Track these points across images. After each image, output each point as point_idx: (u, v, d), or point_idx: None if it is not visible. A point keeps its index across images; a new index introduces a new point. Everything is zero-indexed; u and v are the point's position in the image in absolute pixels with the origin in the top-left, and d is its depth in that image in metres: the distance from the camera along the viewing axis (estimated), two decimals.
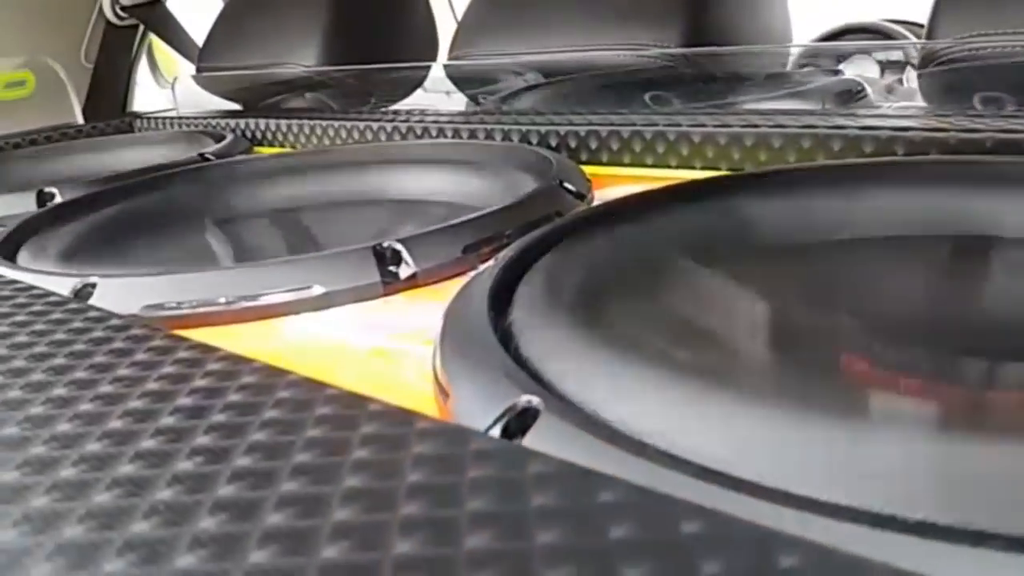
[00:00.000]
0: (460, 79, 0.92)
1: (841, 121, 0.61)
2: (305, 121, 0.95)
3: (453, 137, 0.81)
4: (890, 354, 0.38)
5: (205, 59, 1.19)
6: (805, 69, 0.80)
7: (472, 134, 0.79)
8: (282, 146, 0.99)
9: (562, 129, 0.73)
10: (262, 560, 0.18)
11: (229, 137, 0.93)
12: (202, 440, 0.23)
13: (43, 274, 0.46)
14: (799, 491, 0.21)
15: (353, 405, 0.24)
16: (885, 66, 2.35)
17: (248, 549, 0.18)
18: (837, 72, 0.77)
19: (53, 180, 0.84)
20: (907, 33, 2.18)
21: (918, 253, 0.45)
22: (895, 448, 0.23)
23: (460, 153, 0.71)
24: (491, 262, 0.42)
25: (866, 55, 2.37)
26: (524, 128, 0.75)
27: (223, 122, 1.06)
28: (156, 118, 1.20)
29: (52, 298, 0.37)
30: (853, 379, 0.35)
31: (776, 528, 0.17)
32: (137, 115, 1.23)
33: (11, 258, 0.56)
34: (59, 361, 0.29)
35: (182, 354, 0.29)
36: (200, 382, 0.27)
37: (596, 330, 0.32)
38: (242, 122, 1.03)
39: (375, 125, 0.88)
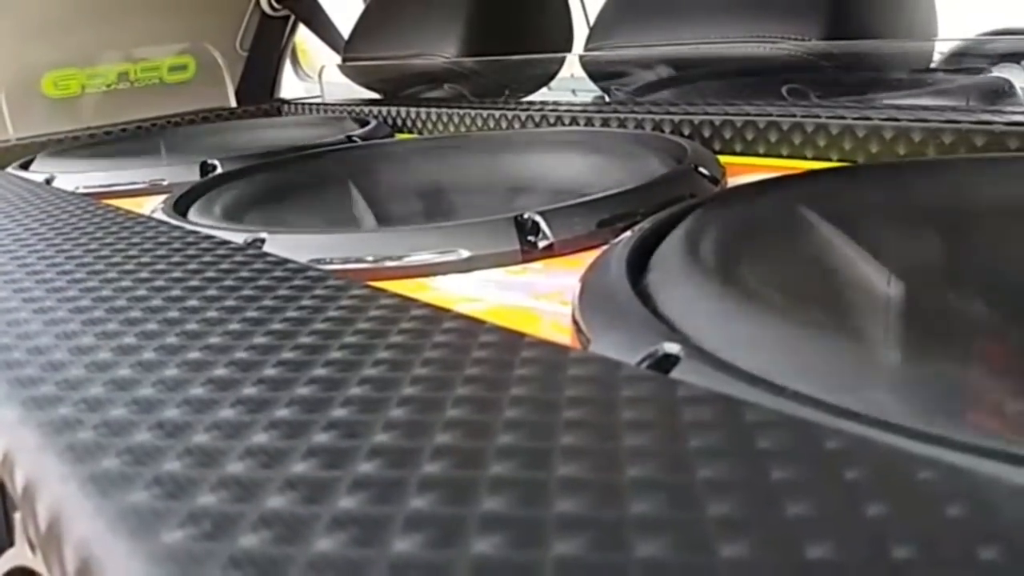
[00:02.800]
0: (595, 72, 0.94)
1: (986, 117, 0.60)
2: (443, 110, 1.00)
3: (586, 125, 0.83)
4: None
5: (351, 50, 1.25)
6: (951, 69, 0.78)
7: (605, 123, 0.81)
8: (421, 132, 1.04)
9: (696, 119, 0.74)
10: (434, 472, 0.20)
11: (372, 123, 0.98)
12: (409, 391, 0.25)
13: (218, 228, 0.51)
14: (932, 431, 0.23)
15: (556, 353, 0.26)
16: None
17: (422, 462, 0.21)
18: (984, 70, 0.75)
19: (213, 153, 0.91)
20: None
21: None
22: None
23: (593, 139, 0.73)
24: (628, 233, 0.44)
25: (1015, 63, 2.27)
26: (657, 117, 0.77)
27: (366, 109, 1.11)
28: (303, 104, 1.27)
29: (231, 246, 0.42)
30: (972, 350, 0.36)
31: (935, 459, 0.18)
32: (285, 101, 1.31)
33: (184, 215, 0.62)
34: (253, 304, 0.33)
35: (384, 301, 0.32)
36: (406, 325, 0.29)
37: (729, 289, 0.34)
38: (384, 109, 1.08)
39: (510, 114, 0.91)
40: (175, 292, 0.35)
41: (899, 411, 0.23)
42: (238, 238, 0.48)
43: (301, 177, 0.74)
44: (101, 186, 0.79)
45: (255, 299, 0.33)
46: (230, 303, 0.33)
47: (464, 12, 1.10)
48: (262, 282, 0.36)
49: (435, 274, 0.46)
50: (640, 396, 0.22)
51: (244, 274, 0.37)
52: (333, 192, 0.73)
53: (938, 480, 0.18)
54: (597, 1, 1.00)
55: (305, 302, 0.33)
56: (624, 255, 0.39)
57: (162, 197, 0.74)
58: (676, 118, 0.76)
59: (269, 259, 0.39)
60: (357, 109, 1.13)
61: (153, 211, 0.61)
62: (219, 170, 0.79)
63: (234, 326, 0.31)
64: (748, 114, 0.71)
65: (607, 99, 0.98)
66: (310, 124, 1.09)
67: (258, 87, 1.36)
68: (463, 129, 0.97)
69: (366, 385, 0.24)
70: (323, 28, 1.37)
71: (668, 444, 0.20)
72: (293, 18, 1.38)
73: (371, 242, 0.47)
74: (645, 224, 0.44)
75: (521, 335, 0.27)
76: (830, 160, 0.67)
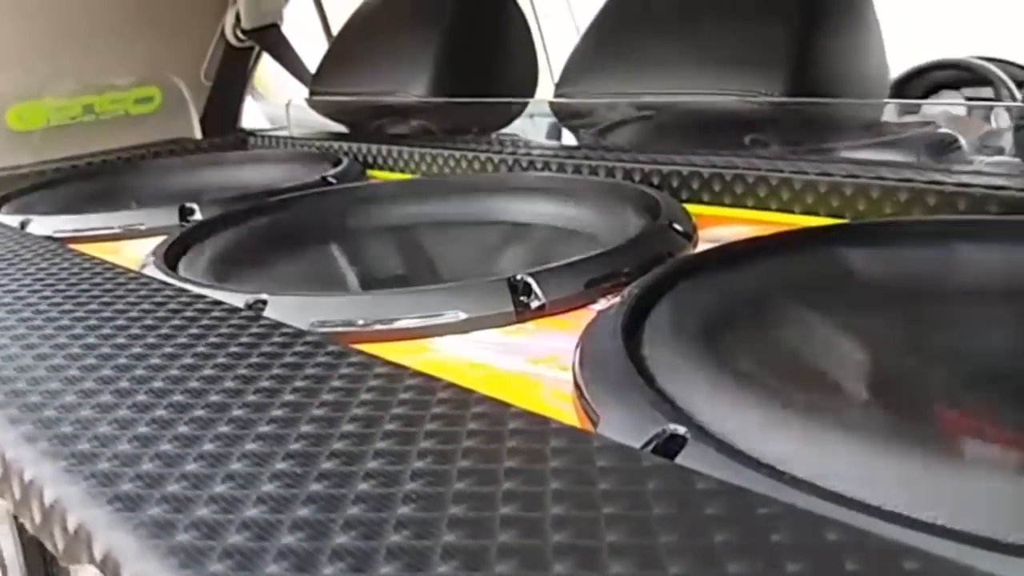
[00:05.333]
0: (563, 115, 0.97)
1: (938, 176, 0.64)
2: (416, 149, 1.02)
3: (558, 170, 0.86)
4: (980, 401, 0.41)
5: (318, 83, 1.27)
6: (902, 119, 0.83)
7: (577, 169, 0.84)
8: (392, 170, 1.06)
9: (664, 168, 0.78)
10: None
11: (345, 161, 1.00)
12: (422, 457, 0.28)
13: (219, 290, 0.52)
14: (919, 516, 0.26)
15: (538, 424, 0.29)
16: (972, 107, 2.33)
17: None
18: (931, 123, 0.80)
19: (188, 193, 0.92)
20: (998, 71, 2.18)
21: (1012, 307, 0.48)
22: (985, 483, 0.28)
23: (569, 185, 0.76)
24: (617, 298, 0.47)
25: (955, 91, 2.38)
26: (628, 166, 0.80)
27: (336, 144, 1.13)
28: (269, 136, 1.28)
29: (232, 308, 0.44)
30: (951, 424, 0.39)
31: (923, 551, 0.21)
32: (250, 133, 1.31)
33: (174, 268, 0.63)
34: (264, 373, 0.35)
35: (379, 370, 0.35)
36: (403, 395, 0.32)
37: (724, 367, 0.37)
38: (354, 145, 1.10)
39: (482, 156, 0.94)
40: (187, 360, 0.37)
41: (898, 497, 0.26)
42: (238, 300, 0.50)
43: (283, 225, 0.75)
44: (77, 230, 0.79)
45: (265, 367, 0.35)
46: (241, 372, 0.35)
47: (434, 52, 1.12)
48: (265, 349, 0.38)
49: (434, 335, 0.49)
50: (664, 490, 0.25)
51: (245, 340, 0.39)
52: (315, 240, 0.75)
53: (923, 570, 0.21)
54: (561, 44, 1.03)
55: (309, 371, 0.35)
56: (618, 325, 0.42)
57: (141, 243, 0.75)
58: (646, 167, 0.79)
59: (265, 323, 0.41)
60: (326, 144, 1.15)
61: (144, 265, 0.62)
62: (198, 215, 0.80)
63: (251, 398, 0.33)
64: (715, 166, 0.75)
65: (571, 138, 1.01)
66: (281, 160, 1.10)
67: (222, 118, 1.37)
68: (435, 169, 1.00)
69: (381, 459, 0.27)
70: (289, 60, 1.38)
71: (696, 540, 0.23)
72: (257, 49, 1.39)
73: (372, 305, 0.49)
74: (633, 290, 0.47)
75: (545, 419, 0.30)
76: (792, 212, 0.71)
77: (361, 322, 0.48)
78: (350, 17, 1.30)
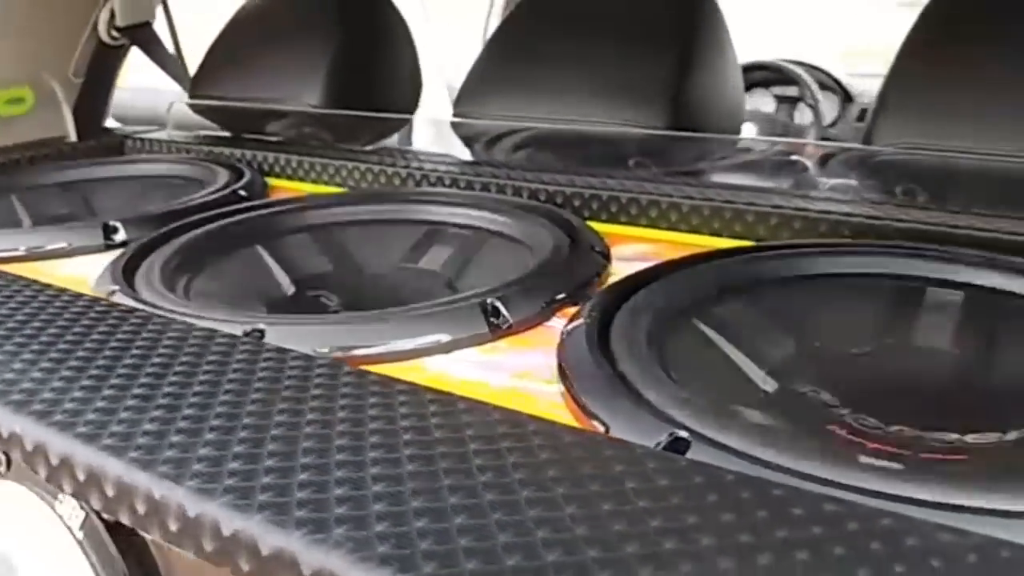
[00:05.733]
0: (462, 134, 1.05)
1: (801, 204, 0.78)
2: (317, 159, 1.06)
3: (465, 187, 0.94)
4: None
5: (199, 87, 1.27)
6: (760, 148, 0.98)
7: (484, 186, 0.92)
8: (290, 179, 1.09)
9: (567, 190, 0.87)
10: None
11: (248, 173, 1.01)
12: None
13: (215, 320, 0.57)
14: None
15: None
16: (780, 101, 2.58)
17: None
18: (783, 150, 0.95)
19: (96, 205, 0.94)
20: (803, 73, 2.49)
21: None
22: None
23: (482, 201, 0.84)
24: (570, 318, 0.57)
25: (765, 89, 2.65)
26: (533, 186, 0.89)
27: (226, 151, 1.14)
28: (145, 139, 1.27)
29: (229, 338, 0.49)
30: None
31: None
32: (126, 135, 1.29)
33: (132, 286, 0.66)
34: (295, 402, 0.42)
35: (400, 387, 0.43)
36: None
37: (686, 378, 0.48)
38: (247, 152, 1.12)
39: (389, 170, 1.00)
40: (227, 399, 0.42)
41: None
42: (236, 329, 0.55)
43: (215, 244, 0.79)
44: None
45: (297, 399, 0.42)
46: (266, 398, 0.42)
47: (326, 63, 1.17)
48: (290, 375, 0.44)
49: (422, 356, 0.56)
50: (689, 480, 0.35)
51: (266, 366, 0.45)
52: (246, 255, 0.79)
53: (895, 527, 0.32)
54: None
55: (344, 401, 0.42)
56: (593, 343, 0.52)
57: (63, 263, 0.76)
58: (550, 188, 0.89)
59: (270, 349, 0.48)
60: (215, 151, 1.16)
61: (111, 294, 0.64)
62: (122, 234, 0.82)
63: (307, 430, 0.39)
64: (611, 189, 0.86)
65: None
66: (172, 163, 1.10)
67: (91, 117, 1.33)
68: (338, 180, 1.04)
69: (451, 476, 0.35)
70: (162, 57, 1.37)
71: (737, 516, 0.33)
72: (127, 47, 1.36)
73: (364, 331, 0.56)
74: (592, 312, 0.56)
75: (572, 429, 0.39)
76: (680, 231, 0.83)
77: (359, 346, 0.55)
78: (232, 20, 1.31)
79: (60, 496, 0.42)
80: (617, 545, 0.31)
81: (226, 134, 1.25)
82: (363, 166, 1.02)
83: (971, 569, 0.29)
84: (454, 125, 1.03)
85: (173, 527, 0.35)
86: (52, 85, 1.24)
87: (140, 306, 0.61)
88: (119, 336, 0.51)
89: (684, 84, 0.94)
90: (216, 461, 0.37)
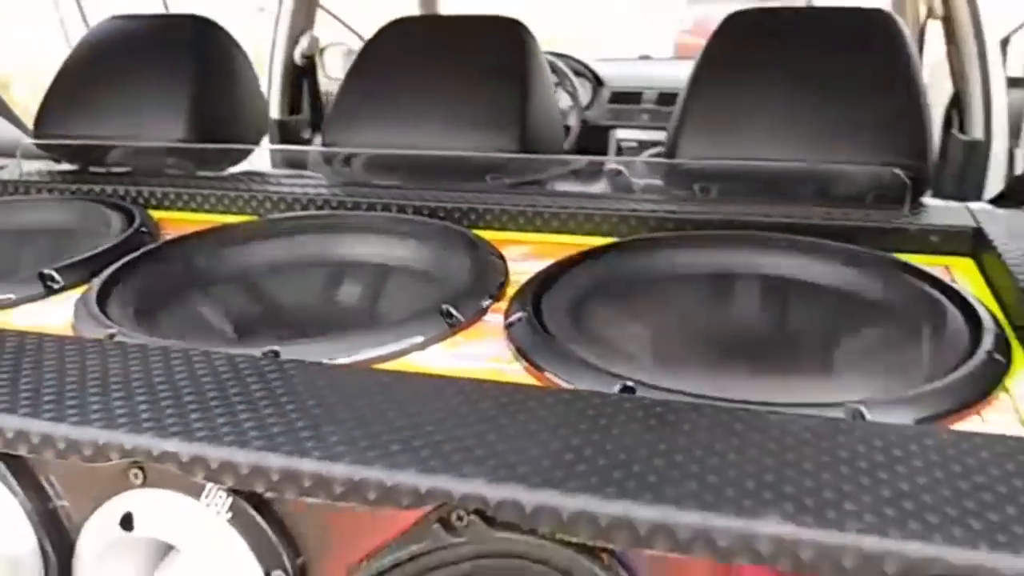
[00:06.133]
0: (330, 163, 1.19)
1: (633, 205, 1.02)
2: (197, 190, 1.16)
3: (352, 208, 1.09)
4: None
5: (46, 125, 1.30)
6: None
7: (370, 206, 1.08)
8: (168, 209, 1.17)
9: (448, 205, 1.05)
10: None
11: (136, 212, 1.09)
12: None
13: (226, 348, 0.70)
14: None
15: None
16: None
17: None
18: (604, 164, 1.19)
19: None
20: (561, 64, 2.82)
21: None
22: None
23: (391, 224, 1.00)
24: (506, 312, 0.76)
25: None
26: (433, 204, 1.05)
27: (93, 188, 1.20)
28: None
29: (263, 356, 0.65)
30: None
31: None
32: None
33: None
34: None
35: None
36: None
37: (619, 342, 0.69)
38: (118, 188, 1.19)
39: (274, 196, 1.12)
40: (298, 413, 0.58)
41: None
42: (255, 351, 0.69)
43: (162, 282, 0.89)
44: None
45: (358, 388, 0.59)
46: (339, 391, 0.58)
47: (186, 100, 1.25)
48: (324, 378, 0.61)
49: (408, 354, 0.73)
50: (648, 410, 0.56)
51: (300, 376, 0.61)
52: (197, 288, 0.90)
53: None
54: None
55: (404, 387, 0.59)
56: (532, 328, 0.71)
57: (21, 311, 0.83)
58: (448, 205, 1.06)
59: (302, 362, 0.64)
60: (74, 188, 1.21)
61: (113, 336, 0.74)
62: (60, 281, 0.89)
63: (389, 407, 0.56)
64: (485, 203, 1.05)
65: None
66: (53, 207, 1.15)
67: None
68: (220, 208, 1.15)
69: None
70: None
71: (689, 438, 0.54)
72: None
73: (361, 343, 0.72)
74: (524, 307, 0.76)
75: (561, 390, 0.59)
76: (544, 232, 1.04)
77: (358, 352, 0.71)
78: (69, 59, 1.34)
79: (206, 489, 0.55)
80: (620, 451, 0.51)
81: (85, 168, 1.29)
82: (247, 194, 1.14)
83: (772, 424, 0.53)
84: (324, 154, 1.17)
85: (306, 483, 0.51)
86: None
87: (148, 341, 0.72)
88: (171, 367, 0.64)
89: (526, 112, 1.15)
90: (322, 438, 0.52)
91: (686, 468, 0.50)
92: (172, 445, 0.54)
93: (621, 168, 1.17)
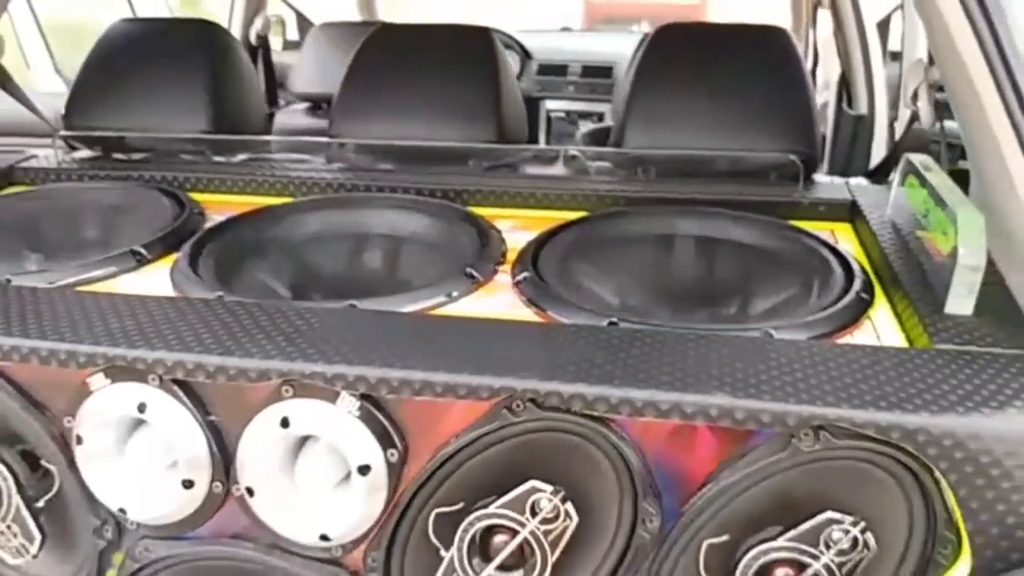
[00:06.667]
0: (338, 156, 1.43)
1: (590, 186, 1.29)
2: (226, 175, 1.37)
3: (364, 191, 1.33)
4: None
5: (75, 116, 1.49)
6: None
7: (379, 188, 1.32)
8: (202, 192, 1.38)
9: (444, 186, 1.31)
10: None
11: (180, 194, 1.30)
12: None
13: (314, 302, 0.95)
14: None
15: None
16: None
17: None
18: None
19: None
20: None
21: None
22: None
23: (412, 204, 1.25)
24: (523, 273, 1.02)
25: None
26: (421, 185, 1.31)
27: (134, 173, 1.40)
28: (31, 168, 1.45)
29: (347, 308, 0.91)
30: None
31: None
32: (12, 165, 1.46)
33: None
34: None
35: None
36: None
37: (602, 292, 0.97)
38: (155, 173, 1.39)
39: (296, 180, 1.35)
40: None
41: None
42: (338, 304, 0.94)
43: (234, 253, 1.12)
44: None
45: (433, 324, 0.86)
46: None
47: (204, 94, 1.46)
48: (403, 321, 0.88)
49: (445, 305, 0.98)
50: (640, 334, 0.84)
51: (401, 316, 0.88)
52: (263, 256, 1.14)
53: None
54: None
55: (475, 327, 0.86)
56: (535, 285, 0.98)
57: (120, 281, 1.06)
58: (444, 186, 1.30)
59: (368, 312, 0.90)
60: (113, 174, 1.41)
61: (221, 297, 0.97)
62: (147, 256, 1.11)
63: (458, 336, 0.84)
64: (478, 184, 1.30)
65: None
66: (109, 190, 1.34)
67: None
68: (249, 189, 1.37)
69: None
70: (20, 94, 1.54)
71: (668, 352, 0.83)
72: None
73: (412, 296, 0.98)
74: (525, 267, 1.02)
75: (568, 325, 0.87)
76: (528, 208, 1.30)
77: (415, 305, 0.96)
78: (89, 59, 1.52)
79: (340, 396, 0.80)
80: (618, 359, 0.79)
81: (114, 156, 1.48)
82: (271, 178, 1.36)
83: (713, 342, 0.82)
84: (329, 144, 1.41)
85: (416, 387, 0.77)
86: None
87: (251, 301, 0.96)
88: (286, 316, 0.88)
89: (499, 106, 1.41)
90: (421, 357, 0.79)
91: (661, 368, 0.78)
92: (319, 367, 0.79)
93: (577, 153, 1.44)
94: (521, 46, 3.45)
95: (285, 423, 0.81)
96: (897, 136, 2.35)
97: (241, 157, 1.52)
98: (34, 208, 1.30)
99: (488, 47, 1.47)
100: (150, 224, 1.21)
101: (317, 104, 2.80)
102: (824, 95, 2.67)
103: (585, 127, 3.08)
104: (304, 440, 0.83)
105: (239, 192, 1.38)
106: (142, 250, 1.11)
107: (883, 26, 2.67)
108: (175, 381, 0.83)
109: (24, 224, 1.27)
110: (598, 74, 3.25)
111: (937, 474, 0.72)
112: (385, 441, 0.80)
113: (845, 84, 2.53)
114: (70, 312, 0.91)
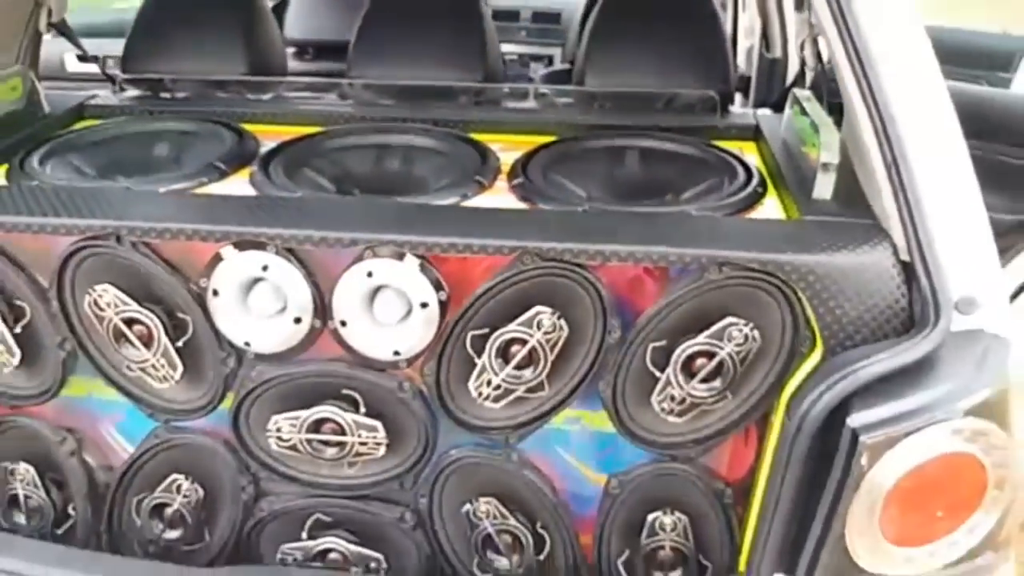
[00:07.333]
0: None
1: (563, 117, 1.68)
2: (267, 109, 1.71)
3: (384, 120, 1.68)
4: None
5: (131, 63, 1.80)
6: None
7: (392, 119, 1.68)
8: (249, 123, 1.72)
9: (444, 117, 1.67)
10: None
11: (232, 123, 1.64)
12: None
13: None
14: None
15: None
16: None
17: None
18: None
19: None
20: None
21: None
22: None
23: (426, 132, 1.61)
24: (516, 179, 1.40)
25: None
26: (439, 118, 1.67)
27: (194, 109, 1.73)
28: (100, 104, 1.77)
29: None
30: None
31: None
32: (81, 103, 1.77)
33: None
34: None
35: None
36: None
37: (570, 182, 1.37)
38: (207, 108, 1.72)
39: (324, 112, 1.70)
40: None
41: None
42: (386, 200, 1.31)
43: (294, 164, 1.48)
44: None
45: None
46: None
47: (241, 40, 1.79)
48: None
49: (464, 202, 1.36)
50: (608, 213, 1.24)
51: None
52: (318, 168, 1.50)
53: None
54: None
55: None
56: (528, 188, 1.37)
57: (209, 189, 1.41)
58: (444, 117, 1.66)
59: (409, 204, 1.28)
60: (177, 109, 1.73)
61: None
62: (226, 169, 1.46)
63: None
64: (470, 116, 1.67)
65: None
66: (177, 121, 1.67)
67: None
68: (287, 120, 1.71)
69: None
70: (77, 40, 1.84)
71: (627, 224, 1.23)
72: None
73: (439, 195, 1.35)
74: (518, 173, 1.41)
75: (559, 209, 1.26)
76: (509, 133, 1.67)
77: (443, 201, 1.34)
78: (140, 14, 1.83)
79: (405, 256, 1.17)
80: (599, 227, 1.19)
81: (167, 95, 1.81)
82: (312, 112, 1.71)
83: (657, 217, 1.23)
84: (345, 84, 1.76)
85: (460, 247, 1.15)
86: (29, 73, 1.69)
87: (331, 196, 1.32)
88: (351, 205, 1.25)
89: (486, 50, 1.78)
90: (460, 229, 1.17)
91: (620, 233, 1.18)
92: (393, 235, 1.16)
93: (547, 91, 1.82)
94: None
95: (369, 275, 1.18)
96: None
97: (269, 95, 1.85)
98: (118, 135, 1.63)
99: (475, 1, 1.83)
100: (216, 147, 1.55)
101: (304, 49, 3.10)
102: (750, 39, 3.08)
103: (537, 69, 3.44)
104: (378, 288, 1.21)
105: (277, 123, 1.72)
106: (222, 164, 1.46)
107: None
108: (288, 249, 1.19)
109: (114, 148, 1.60)
110: (548, 20, 3.60)
111: (799, 293, 1.14)
112: (437, 285, 1.19)
113: (764, 32, 2.93)
114: (195, 205, 1.26)
